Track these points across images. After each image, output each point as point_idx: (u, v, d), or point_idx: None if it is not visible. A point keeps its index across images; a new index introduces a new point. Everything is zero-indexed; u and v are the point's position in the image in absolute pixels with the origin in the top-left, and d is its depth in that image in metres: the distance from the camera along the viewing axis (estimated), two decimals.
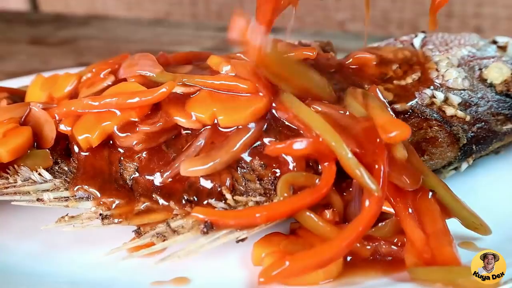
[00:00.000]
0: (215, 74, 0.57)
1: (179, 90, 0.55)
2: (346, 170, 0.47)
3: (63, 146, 0.59)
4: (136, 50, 0.76)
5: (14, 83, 0.80)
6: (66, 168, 0.58)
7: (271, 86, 0.53)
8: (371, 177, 0.46)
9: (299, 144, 0.49)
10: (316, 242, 0.47)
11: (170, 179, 0.54)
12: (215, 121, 0.53)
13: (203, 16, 1.68)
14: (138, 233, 0.52)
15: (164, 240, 0.51)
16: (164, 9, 1.65)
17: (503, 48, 0.69)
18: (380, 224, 0.49)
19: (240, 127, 0.53)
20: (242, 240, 0.49)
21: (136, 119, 0.54)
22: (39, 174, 0.56)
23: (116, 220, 0.53)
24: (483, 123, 0.61)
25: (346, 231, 0.46)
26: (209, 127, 0.54)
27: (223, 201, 0.52)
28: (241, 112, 0.52)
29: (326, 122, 0.49)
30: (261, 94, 0.53)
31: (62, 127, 0.57)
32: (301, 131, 0.52)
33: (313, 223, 0.48)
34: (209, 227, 0.49)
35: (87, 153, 0.57)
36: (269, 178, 0.53)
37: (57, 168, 0.58)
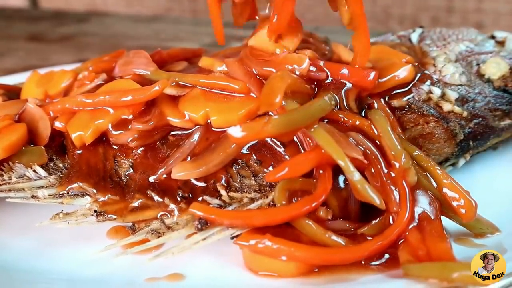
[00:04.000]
0: (209, 72, 0.57)
1: (172, 89, 0.55)
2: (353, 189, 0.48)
3: (58, 143, 0.59)
4: (135, 46, 0.76)
5: (11, 80, 0.80)
6: (61, 165, 0.58)
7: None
8: (376, 192, 0.47)
9: (301, 166, 0.48)
10: (304, 238, 0.47)
11: (164, 176, 0.54)
12: (208, 121, 0.53)
13: (202, 12, 1.68)
14: (133, 229, 0.52)
15: (158, 237, 0.51)
16: (164, 5, 1.65)
17: (501, 43, 0.68)
18: (373, 222, 0.49)
19: None
20: (237, 236, 0.49)
21: (130, 117, 0.54)
22: (34, 171, 0.56)
23: (110, 217, 0.53)
24: (480, 119, 0.61)
25: (335, 249, 0.47)
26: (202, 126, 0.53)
27: (218, 198, 0.52)
28: (235, 113, 0.52)
29: (327, 133, 0.49)
30: (253, 95, 0.53)
31: (57, 124, 0.57)
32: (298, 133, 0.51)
33: (311, 230, 0.48)
34: (204, 224, 0.49)
35: (81, 150, 0.56)
36: (264, 174, 0.52)
37: (52, 164, 0.58)
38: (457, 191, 0.51)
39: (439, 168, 0.52)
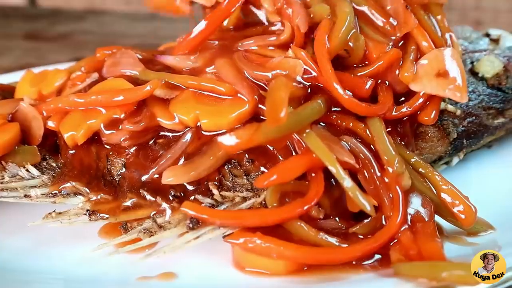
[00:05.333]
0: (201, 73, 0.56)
1: (161, 91, 0.54)
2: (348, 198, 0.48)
3: (51, 142, 0.59)
4: (133, 45, 0.75)
5: (7, 79, 0.80)
6: (54, 164, 0.58)
7: (258, 88, 0.52)
8: (366, 197, 0.47)
9: (290, 171, 0.48)
10: (295, 237, 0.47)
11: (157, 175, 0.53)
12: (198, 124, 0.52)
13: (200, 11, 1.66)
14: (125, 228, 0.52)
15: (151, 236, 0.51)
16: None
17: (495, 41, 0.68)
18: (365, 221, 0.49)
19: (224, 131, 0.51)
20: (229, 235, 0.49)
21: (122, 116, 0.54)
22: (27, 170, 0.56)
23: (103, 216, 0.53)
24: (474, 117, 0.61)
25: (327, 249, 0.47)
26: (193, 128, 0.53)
27: (210, 197, 0.52)
28: (225, 117, 0.51)
29: (319, 137, 0.48)
30: (244, 98, 0.52)
31: (50, 124, 0.57)
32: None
33: (303, 232, 0.48)
34: (195, 223, 0.50)
35: (74, 150, 0.56)
36: (257, 173, 0.52)
37: (45, 164, 0.58)
38: (457, 197, 0.51)
39: (437, 173, 0.52)
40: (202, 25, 0.57)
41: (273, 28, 0.59)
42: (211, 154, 0.51)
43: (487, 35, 0.69)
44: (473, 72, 0.63)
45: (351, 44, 0.54)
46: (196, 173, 0.51)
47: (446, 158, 0.62)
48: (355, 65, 0.56)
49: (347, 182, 0.47)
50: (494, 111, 0.62)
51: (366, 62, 0.56)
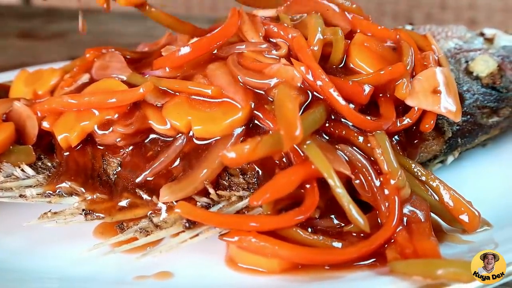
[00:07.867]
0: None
1: (151, 97, 0.54)
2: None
3: (46, 142, 0.59)
4: (128, 44, 0.75)
5: (1, 78, 0.79)
6: (49, 164, 0.58)
7: (254, 94, 0.52)
8: (360, 213, 0.47)
9: (283, 188, 0.47)
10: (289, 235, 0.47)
11: (153, 175, 0.53)
12: (191, 133, 0.52)
13: (196, 9, 1.67)
14: (121, 228, 0.52)
15: (147, 235, 0.51)
16: (157, 2, 1.64)
17: (490, 40, 0.68)
18: None
19: (218, 138, 0.51)
20: (224, 234, 0.49)
21: (116, 116, 0.54)
22: (22, 170, 0.56)
23: (99, 216, 0.53)
24: (468, 116, 0.61)
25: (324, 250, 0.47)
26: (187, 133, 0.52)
27: (206, 196, 0.52)
28: (218, 123, 0.51)
29: (318, 149, 0.48)
30: (237, 104, 0.51)
31: (45, 125, 0.57)
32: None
33: (299, 237, 0.48)
34: (192, 222, 0.50)
35: (68, 152, 0.56)
36: (253, 172, 0.52)
37: (40, 163, 0.58)
38: (460, 203, 0.51)
39: (439, 180, 0.52)
40: (186, 49, 0.55)
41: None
42: (206, 166, 0.51)
43: (482, 34, 0.70)
44: (467, 72, 0.64)
45: (330, 36, 0.54)
46: (193, 188, 0.51)
47: (441, 157, 0.62)
48: (337, 64, 0.55)
49: (345, 198, 0.47)
50: (488, 110, 0.63)
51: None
